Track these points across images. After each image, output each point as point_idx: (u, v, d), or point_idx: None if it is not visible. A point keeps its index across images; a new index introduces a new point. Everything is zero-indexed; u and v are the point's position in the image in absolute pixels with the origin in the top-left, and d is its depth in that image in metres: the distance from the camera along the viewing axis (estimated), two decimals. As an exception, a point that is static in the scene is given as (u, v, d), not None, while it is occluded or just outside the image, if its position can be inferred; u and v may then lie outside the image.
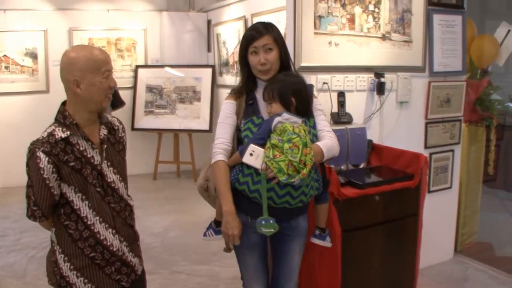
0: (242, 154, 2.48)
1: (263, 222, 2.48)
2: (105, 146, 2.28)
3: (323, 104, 3.55)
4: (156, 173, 8.18)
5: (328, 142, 2.59)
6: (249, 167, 2.48)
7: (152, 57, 8.43)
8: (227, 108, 2.71)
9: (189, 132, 7.94)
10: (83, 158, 2.18)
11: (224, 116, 2.70)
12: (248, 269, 2.75)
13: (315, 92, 3.55)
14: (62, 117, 2.19)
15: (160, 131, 8.05)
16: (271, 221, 2.47)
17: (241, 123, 2.66)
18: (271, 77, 2.65)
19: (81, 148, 2.18)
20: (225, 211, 2.53)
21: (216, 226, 2.78)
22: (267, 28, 2.64)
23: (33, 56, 7.75)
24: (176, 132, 8.08)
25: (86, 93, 2.15)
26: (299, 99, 2.56)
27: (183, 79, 8.08)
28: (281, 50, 2.64)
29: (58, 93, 7.45)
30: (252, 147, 2.45)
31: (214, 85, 7.99)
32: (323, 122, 2.69)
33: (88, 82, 2.14)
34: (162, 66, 8.22)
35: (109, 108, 6.71)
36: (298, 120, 2.51)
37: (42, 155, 2.08)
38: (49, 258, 2.30)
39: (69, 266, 2.21)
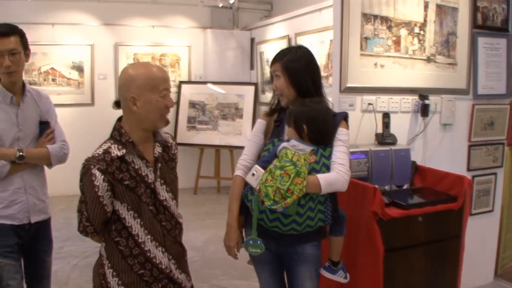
0: None
1: (251, 242, 2.54)
2: (159, 164, 2.28)
3: (368, 125, 3.61)
4: (197, 187, 8.25)
5: (331, 175, 2.47)
6: None
7: (196, 73, 8.57)
8: (257, 127, 2.83)
9: (231, 148, 8.01)
10: (137, 177, 2.18)
11: (253, 134, 2.82)
12: (261, 284, 2.85)
13: (359, 113, 3.60)
14: (118, 134, 2.18)
15: (202, 147, 8.15)
16: (258, 242, 2.52)
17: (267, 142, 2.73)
18: (288, 101, 2.70)
19: (136, 167, 2.18)
20: (227, 223, 2.66)
21: None
22: (281, 55, 2.71)
23: (80, 69, 7.97)
24: (217, 148, 8.16)
25: (142, 111, 2.13)
26: (311, 127, 2.53)
27: (226, 96, 8.16)
28: (289, 78, 2.65)
29: (103, 106, 7.67)
30: (255, 167, 2.50)
31: (257, 102, 8.06)
32: (338, 154, 2.54)
33: (145, 100, 2.12)
34: (205, 83, 8.33)
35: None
36: (307, 148, 2.50)
37: (97, 173, 2.07)
38: (96, 271, 2.29)
39: (117, 281, 2.20)
